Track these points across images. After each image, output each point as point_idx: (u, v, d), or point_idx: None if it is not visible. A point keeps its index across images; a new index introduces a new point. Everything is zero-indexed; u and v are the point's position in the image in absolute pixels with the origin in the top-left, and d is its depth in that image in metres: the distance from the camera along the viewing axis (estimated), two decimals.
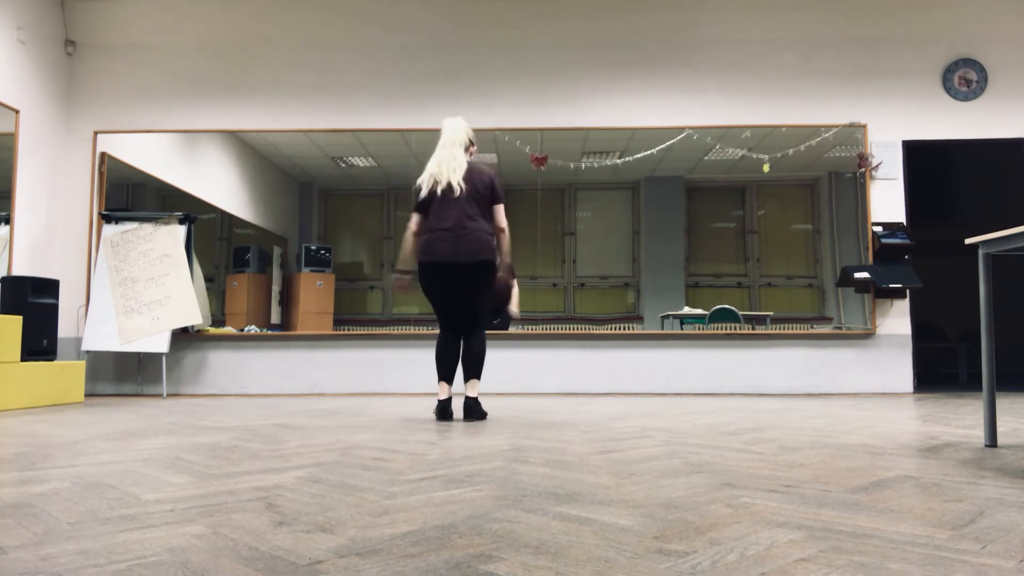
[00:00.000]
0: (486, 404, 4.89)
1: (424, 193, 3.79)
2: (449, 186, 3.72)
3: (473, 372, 3.81)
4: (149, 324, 5.76)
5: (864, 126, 6.31)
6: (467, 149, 3.86)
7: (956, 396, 5.76)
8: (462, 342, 3.86)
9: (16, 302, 5.18)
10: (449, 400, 3.77)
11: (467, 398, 3.80)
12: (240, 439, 2.99)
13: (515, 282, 6.37)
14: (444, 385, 3.80)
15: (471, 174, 3.76)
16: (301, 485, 1.95)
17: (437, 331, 6.32)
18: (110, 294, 5.86)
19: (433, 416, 4.01)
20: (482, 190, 3.76)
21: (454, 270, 3.69)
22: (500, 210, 3.84)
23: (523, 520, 1.54)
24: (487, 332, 6.16)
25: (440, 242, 3.68)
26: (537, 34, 6.51)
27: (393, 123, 6.48)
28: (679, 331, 6.40)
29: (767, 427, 3.41)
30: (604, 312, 7.21)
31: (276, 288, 7.21)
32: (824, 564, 1.22)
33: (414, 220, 3.85)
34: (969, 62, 6.33)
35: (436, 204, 3.75)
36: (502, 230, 3.83)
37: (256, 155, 7.24)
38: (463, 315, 3.83)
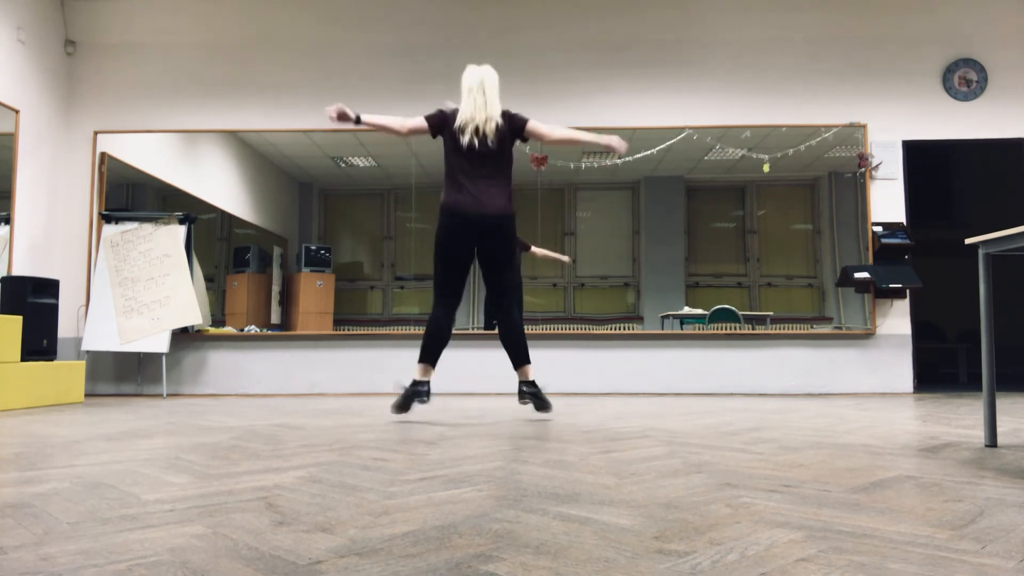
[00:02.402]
0: (486, 405, 4.88)
1: (463, 141, 3.53)
2: (484, 140, 3.53)
3: (523, 357, 3.58)
4: (149, 324, 5.76)
5: (864, 126, 6.31)
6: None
7: (956, 396, 5.76)
8: (498, 323, 3.65)
9: (16, 302, 5.18)
10: (427, 384, 3.49)
11: (524, 383, 3.54)
12: (240, 439, 2.99)
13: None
14: (426, 367, 3.52)
15: (502, 129, 3.58)
16: (301, 485, 1.95)
17: None
18: (110, 294, 5.86)
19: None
20: (510, 140, 3.60)
21: (483, 227, 3.51)
22: (534, 125, 3.62)
23: (523, 520, 1.54)
24: (485, 334, 6.16)
25: (471, 199, 3.50)
26: (537, 34, 6.51)
27: None
28: (679, 331, 6.40)
29: (767, 427, 3.41)
30: (604, 312, 7.21)
31: (276, 288, 7.21)
32: (824, 564, 1.22)
33: (416, 121, 3.57)
34: (969, 62, 6.33)
35: (466, 154, 3.54)
36: (548, 134, 3.61)
37: (256, 155, 7.24)
38: (492, 279, 3.62)
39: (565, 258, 5.89)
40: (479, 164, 3.55)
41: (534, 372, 3.74)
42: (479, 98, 3.57)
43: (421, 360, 3.54)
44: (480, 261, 3.64)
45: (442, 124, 3.61)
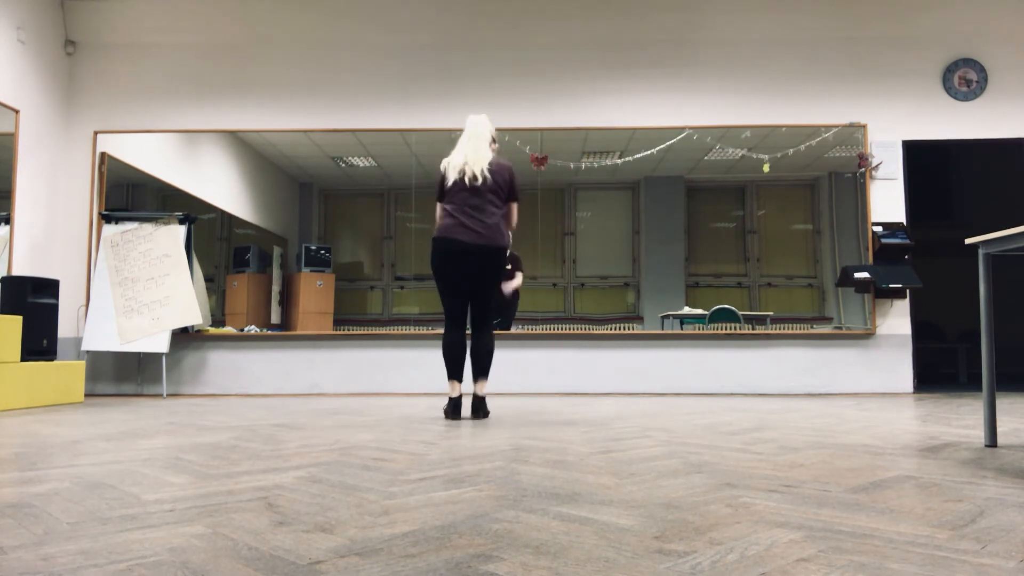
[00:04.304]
0: (488, 403, 4.88)
1: (449, 183, 3.85)
2: (473, 176, 3.81)
3: (481, 371, 3.90)
4: (149, 324, 5.76)
5: (864, 126, 6.31)
6: (490, 144, 3.95)
7: (956, 396, 5.76)
8: (470, 340, 3.94)
9: (16, 302, 5.18)
10: (460, 398, 3.84)
11: (475, 396, 3.89)
12: (240, 439, 2.99)
13: (519, 274, 6.41)
14: (455, 383, 3.87)
15: (494, 168, 3.87)
16: (301, 485, 1.95)
17: (437, 331, 6.33)
18: (110, 294, 5.86)
19: (442, 415, 4.07)
20: (503, 185, 3.88)
21: (471, 255, 3.77)
22: (515, 208, 3.96)
23: (523, 520, 1.54)
24: None
25: (459, 228, 3.77)
26: (537, 34, 6.51)
27: (393, 123, 6.48)
28: (679, 331, 6.40)
29: (767, 427, 3.41)
30: (604, 312, 7.21)
31: (276, 288, 7.21)
32: (824, 564, 1.22)
33: (440, 209, 3.91)
34: (969, 62, 6.33)
35: (456, 190, 3.83)
36: (511, 228, 3.96)
37: (256, 155, 7.24)
38: (474, 303, 3.91)
39: (508, 288, 6.17)
40: (471, 198, 3.82)
41: (488, 388, 4.06)
42: (468, 144, 3.89)
43: (449, 378, 3.90)
44: (469, 283, 3.90)
45: (441, 188, 3.93)
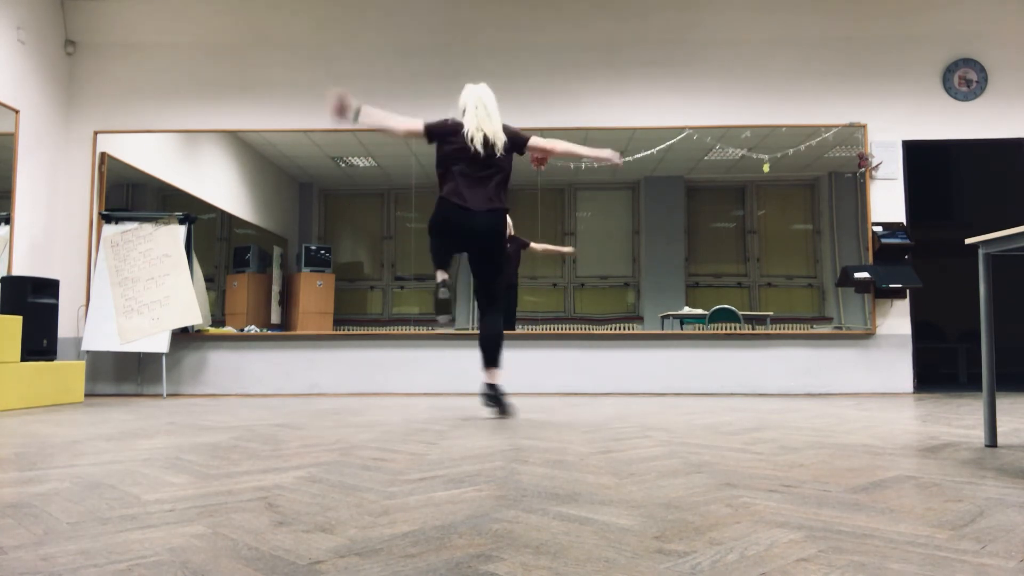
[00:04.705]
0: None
1: (468, 147, 3.67)
2: (491, 154, 3.70)
3: (493, 361, 3.75)
4: (149, 324, 5.76)
5: (864, 126, 6.31)
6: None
7: (956, 396, 5.76)
8: (482, 324, 3.84)
9: (16, 302, 5.18)
10: (447, 281, 3.73)
11: (491, 386, 3.73)
12: (240, 439, 2.99)
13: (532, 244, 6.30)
14: (440, 272, 3.75)
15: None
16: (301, 485, 1.95)
17: (438, 331, 6.32)
18: (110, 294, 5.86)
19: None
20: (509, 151, 3.78)
21: (471, 224, 3.67)
22: (535, 141, 3.82)
23: (523, 520, 1.54)
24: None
25: (467, 198, 3.65)
26: (537, 35, 6.50)
27: None
28: (679, 331, 6.40)
29: (767, 427, 3.41)
30: (604, 312, 7.22)
31: (276, 288, 7.22)
32: (824, 564, 1.22)
33: (419, 123, 3.73)
34: (969, 62, 6.33)
35: (465, 157, 3.69)
36: (550, 149, 3.81)
37: (256, 155, 7.24)
38: (481, 278, 3.82)
39: (567, 249, 5.76)
40: (480, 170, 3.71)
41: (503, 377, 3.91)
42: (483, 111, 3.74)
43: (435, 267, 3.77)
44: (472, 259, 3.83)
45: (442, 132, 3.76)
